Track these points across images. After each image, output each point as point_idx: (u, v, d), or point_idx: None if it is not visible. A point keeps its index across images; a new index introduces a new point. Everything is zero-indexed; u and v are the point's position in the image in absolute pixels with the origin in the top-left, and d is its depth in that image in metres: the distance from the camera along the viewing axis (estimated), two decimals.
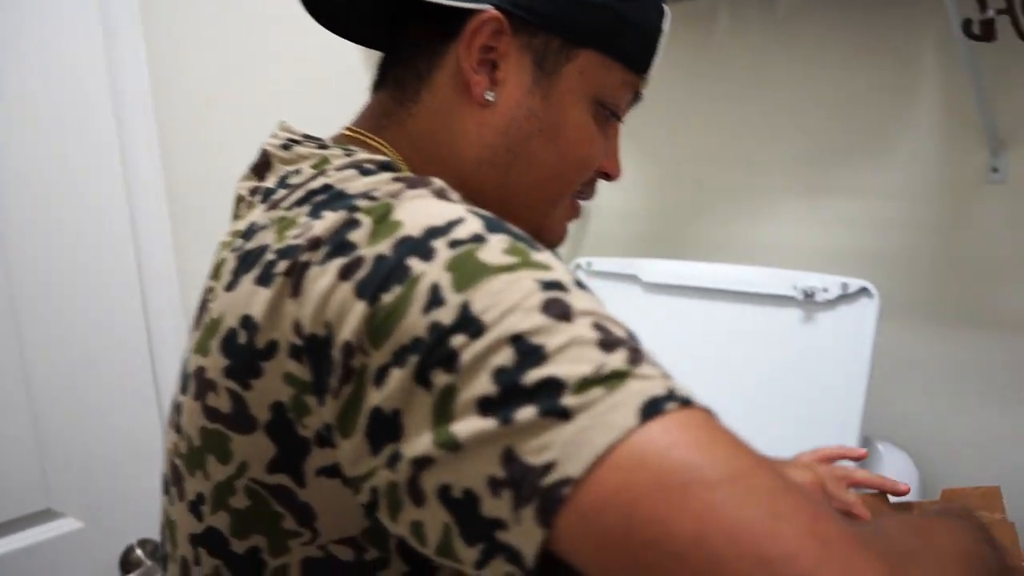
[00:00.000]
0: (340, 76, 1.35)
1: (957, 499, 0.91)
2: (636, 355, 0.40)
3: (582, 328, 0.41)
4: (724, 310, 1.43)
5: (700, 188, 1.72)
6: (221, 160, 1.28)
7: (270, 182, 0.60)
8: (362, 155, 0.58)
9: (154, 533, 1.23)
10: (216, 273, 0.56)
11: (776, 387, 1.35)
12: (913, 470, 1.37)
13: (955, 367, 1.41)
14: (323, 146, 0.60)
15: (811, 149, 1.56)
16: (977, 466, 1.40)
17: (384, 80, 0.67)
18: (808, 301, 1.37)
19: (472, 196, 0.56)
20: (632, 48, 0.65)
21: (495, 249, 0.44)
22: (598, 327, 0.41)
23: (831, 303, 1.36)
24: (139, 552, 1.22)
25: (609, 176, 0.71)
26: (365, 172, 0.55)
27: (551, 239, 0.70)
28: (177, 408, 0.55)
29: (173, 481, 0.56)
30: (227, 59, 1.33)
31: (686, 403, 0.39)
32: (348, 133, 0.66)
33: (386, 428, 0.42)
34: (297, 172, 0.58)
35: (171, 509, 0.56)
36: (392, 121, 0.65)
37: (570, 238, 0.86)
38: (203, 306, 0.56)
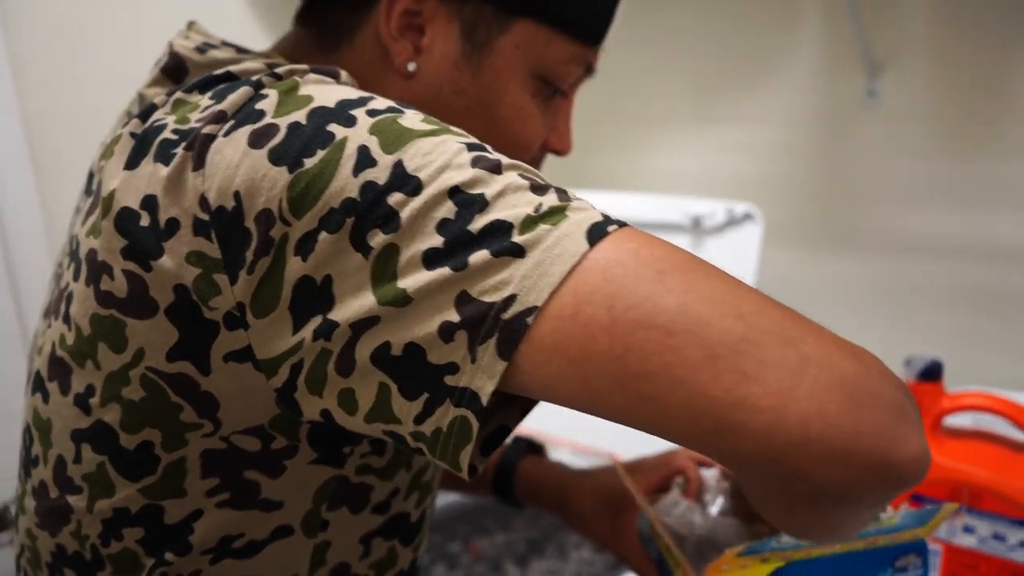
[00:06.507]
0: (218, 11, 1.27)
1: None
2: (564, 195, 0.41)
3: (513, 177, 0.41)
4: None
5: (589, 120, 1.71)
6: (84, 93, 1.20)
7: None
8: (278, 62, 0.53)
9: None
10: (109, 151, 0.50)
11: None
12: None
13: (835, 286, 1.46)
14: (242, 51, 0.55)
15: (696, 79, 1.57)
16: None
17: (308, 15, 0.59)
18: (696, 227, 1.39)
19: None
20: (578, 16, 0.57)
21: (414, 118, 0.44)
22: (525, 176, 0.42)
23: (718, 228, 1.39)
24: (13, 509, 1.16)
25: (559, 152, 0.65)
26: (273, 68, 0.50)
27: None
28: (67, 297, 0.50)
29: (52, 376, 0.51)
30: None
31: (623, 225, 0.40)
32: (264, 54, 0.58)
33: (313, 299, 0.41)
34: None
35: (44, 408, 0.52)
36: (311, 61, 0.57)
37: None
38: (97, 183, 0.50)
